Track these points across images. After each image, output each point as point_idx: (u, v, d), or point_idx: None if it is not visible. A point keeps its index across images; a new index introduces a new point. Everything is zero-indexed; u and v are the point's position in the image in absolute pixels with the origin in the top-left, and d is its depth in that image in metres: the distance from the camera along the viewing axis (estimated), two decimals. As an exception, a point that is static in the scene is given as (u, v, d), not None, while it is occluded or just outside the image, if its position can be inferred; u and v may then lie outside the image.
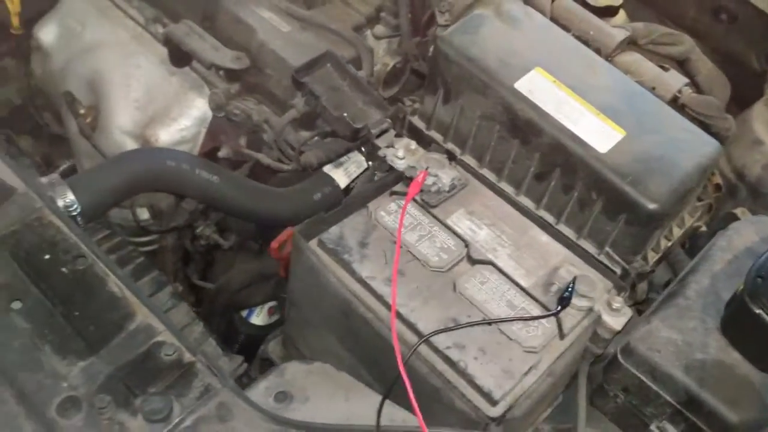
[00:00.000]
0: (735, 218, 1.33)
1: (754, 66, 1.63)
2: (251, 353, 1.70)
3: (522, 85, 1.21)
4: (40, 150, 1.98)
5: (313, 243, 1.14)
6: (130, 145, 1.62)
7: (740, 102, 1.53)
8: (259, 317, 1.69)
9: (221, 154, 1.60)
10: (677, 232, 1.27)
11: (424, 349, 1.03)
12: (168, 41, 1.47)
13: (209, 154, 1.63)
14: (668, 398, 1.05)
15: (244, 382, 1.31)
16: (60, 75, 1.75)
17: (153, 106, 1.62)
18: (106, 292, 1.06)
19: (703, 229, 1.38)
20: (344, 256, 1.11)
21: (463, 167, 1.28)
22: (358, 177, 1.49)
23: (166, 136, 1.58)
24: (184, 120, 1.60)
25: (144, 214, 1.69)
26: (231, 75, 1.48)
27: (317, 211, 1.43)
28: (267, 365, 1.44)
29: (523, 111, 1.19)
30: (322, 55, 1.34)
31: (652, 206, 1.12)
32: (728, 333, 1.06)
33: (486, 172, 1.29)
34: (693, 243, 1.38)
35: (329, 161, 1.43)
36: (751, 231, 1.21)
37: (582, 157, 1.15)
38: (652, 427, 1.09)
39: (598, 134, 1.17)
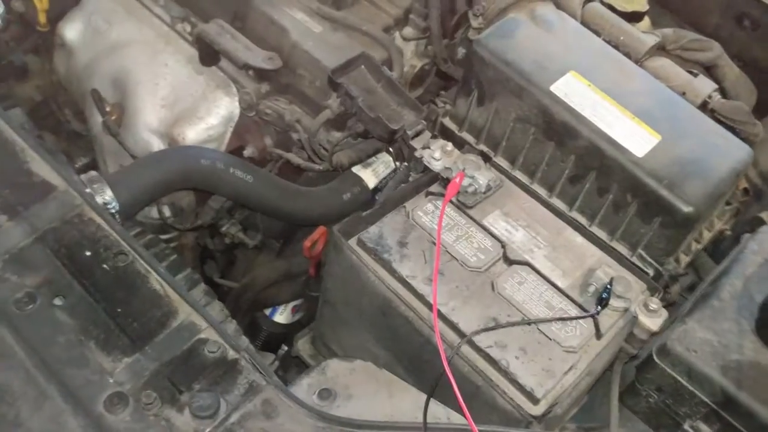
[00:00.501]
0: (761, 222, 1.35)
1: (776, 73, 1.65)
2: (272, 351, 1.71)
3: (558, 88, 1.22)
4: (60, 147, 1.97)
5: (352, 242, 1.15)
6: (157, 143, 1.63)
7: (762, 107, 1.55)
8: (282, 315, 1.70)
9: (246, 153, 1.61)
10: (707, 236, 1.29)
11: (465, 347, 1.04)
12: (199, 40, 1.47)
13: (234, 152, 1.64)
14: (704, 398, 1.06)
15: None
16: (84, 72, 1.75)
17: (180, 104, 1.62)
18: (148, 289, 1.06)
19: (728, 232, 1.40)
20: (384, 255, 1.12)
21: (496, 169, 1.29)
22: (386, 177, 1.51)
23: (193, 134, 1.58)
24: (211, 119, 1.60)
25: (166, 211, 1.69)
26: (261, 75, 1.49)
27: (347, 210, 1.45)
28: (295, 363, 1.45)
29: (559, 114, 1.21)
30: (357, 57, 1.35)
31: (688, 209, 1.13)
32: (763, 335, 1.08)
33: (519, 174, 1.30)
34: (716, 246, 1.40)
35: (359, 161, 1.45)
36: (781, 235, 1.23)
37: (619, 160, 1.16)
38: (686, 426, 1.10)
39: (634, 138, 1.18)
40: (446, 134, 1.36)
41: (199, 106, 1.61)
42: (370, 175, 1.48)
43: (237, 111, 1.57)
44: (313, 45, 1.45)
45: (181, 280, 1.30)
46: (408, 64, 1.56)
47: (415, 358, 1.12)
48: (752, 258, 1.19)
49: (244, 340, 1.30)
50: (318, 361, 1.40)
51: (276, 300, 1.65)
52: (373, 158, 1.48)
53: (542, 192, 1.28)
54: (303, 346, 1.41)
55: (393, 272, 1.11)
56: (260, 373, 1.00)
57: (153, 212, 1.63)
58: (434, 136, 1.30)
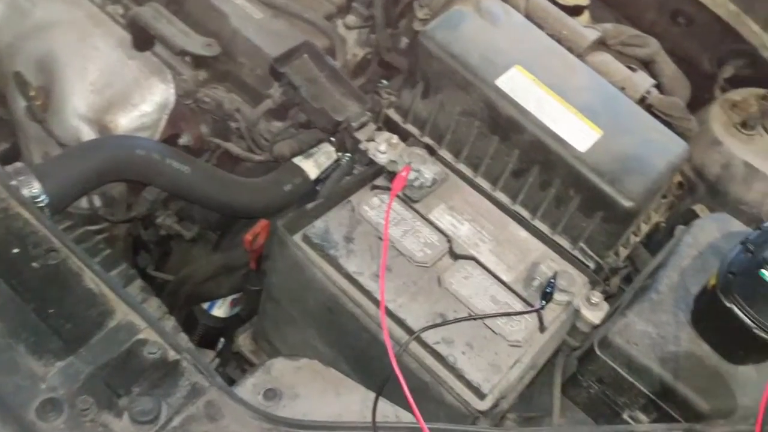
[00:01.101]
0: (694, 214, 1.39)
1: (706, 68, 1.70)
2: (210, 346, 1.67)
3: (503, 83, 1.22)
4: (-26, 132, 1.85)
5: (297, 237, 1.12)
6: (86, 130, 1.54)
7: (695, 102, 1.60)
8: (221, 309, 1.66)
9: (182, 141, 1.55)
10: (644, 228, 1.32)
11: (413, 344, 1.04)
12: (133, 24, 1.40)
13: (169, 141, 1.58)
14: (643, 389, 1.09)
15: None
16: (6, 54, 1.64)
17: (110, 90, 1.54)
18: (82, 287, 1.00)
19: (663, 224, 1.45)
20: (330, 251, 1.10)
21: (440, 162, 1.29)
22: (327, 168, 1.48)
23: (125, 121, 1.51)
24: (145, 106, 1.53)
25: (97, 201, 1.62)
26: (199, 62, 1.43)
27: (288, 202, 1.42)
28: (235, 358, 1.42)
29: (505, 108, 1.21)
30: (300, 45, 1.32)
31: (628, 204, 1.16)
32: (698, 326, 1.12)
33: (463, 167, 1.30)
34: (651, 238, 1.44)
35: (301, 152, 1.42)
36: (714, 228, 1.27)
37: (562, 155, 1.18)
38: (625, 415, 1.14)
39: (576, 133, 1.20)
40: (390, 125, 1.35)
41: (133, 93, 1.54)
42: (311, 166, 1.44)
43: (172, 98, 1.50)
44: (253, 32, 1.40)
45: (116, 276, 1.24)
46: (350, 53, 1.53)
47: (362, 355, 1.11)
48: (687, 251, 1.23)
49: (184, 338, 1.26)
50: (260, 357, 1.38)
51: (214, 294, 1.61)
52: (315, 149, 1.45)
53: (486, 185, 1.28)
54: (244, 341, 1.38)
55: (339, 268, 1.09)
56: (203, 374, 0.97)
57: (83, 202, 1.55)
58: (379, 128, 1.28)
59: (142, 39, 1.43)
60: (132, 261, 1.76)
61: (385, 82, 1.46)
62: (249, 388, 1.01)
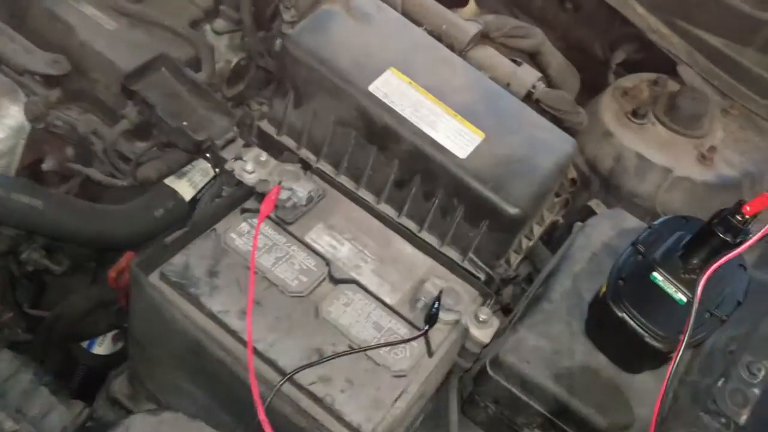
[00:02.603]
0: (591, 211, 1.34)
1: (599, 54, 1.66)
2: (95, 386, 1.53)
3: (377, 88, 1.13)
4: None
5: (154, 277, 1.01)
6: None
7: (588, 90, 1.55)
8: (102, 346, 1.52)
9: (45, 166, 1.41)
10: (537, 230, 1.26)
11: (287, 386, 0.94)
12: (-32, 42, 1.25)
13: (31, 167, 1.44)
14: (539, 408, 1.03)
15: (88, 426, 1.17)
16: None
17: (-44, 115, 1.39)
18: None
19: (561, 221, 1.39)
20: (191, 289, 0.99)
21: (319, 175, 1.19)
22: (204, 186, 1.36)
23: (-25, 151, 1.36)
24: (-2, 131, 1.38)
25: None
26: (50, 81, 1.29)
27: (160, 229, 1.30)
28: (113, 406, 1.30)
29: (379, 116, 1.12)
30: (155, 58, 1.19)
31: (514, 211, 1.09)
32: (592, 335, 1.06)
33: (344, 180, 1.21)
34: (551, 236, 1.39)
35: (171, 173, 1.30)
36: (607, 226, 1.22)
37: (441, 163, 1.10)
38: (524, 436, 1.08)
39: (456, 138, 1.12)
40: (264, 139, 1.24)
41: (-19, 117, 1.39)
42: (185, 186, 1.33)
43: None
44: (105, 44, 1.27)
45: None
46: (223, 60, 1.42)
47: (234, 400, 1.01)
48: (580, 254, 1.17)
49: (42, 392, 1.13)
50: (137, 402, 1.27)
51: (92, 331, 1.47)
52: (189, 166, 1.33)
53: (370, 198, 1.20)
54: (120, 386, 1.26)
55: (202, 308, 0.98)
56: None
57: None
58: (247, 145, 1.17)
59: (-18, 58, 1.28)
60: (11, 296, 1.61)
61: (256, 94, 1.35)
62: (104, 454, 0.91)
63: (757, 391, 1.03)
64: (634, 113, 1.34)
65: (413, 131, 1.11)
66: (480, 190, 1.09)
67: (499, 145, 1.13)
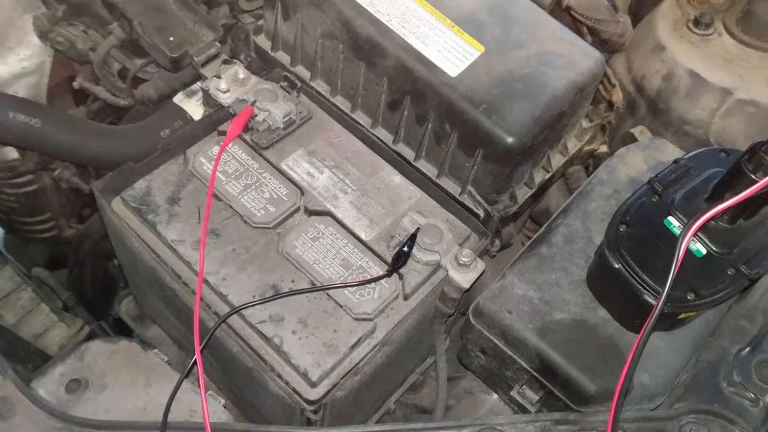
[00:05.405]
0: (633, 138, 1.15)
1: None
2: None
3: (363, -5, 1.00)
4: None
5: (116, 202, 0.97)
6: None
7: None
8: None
9: (76, 84, 1.40)
10: (559, 161, 1.09)
11: (238, 322, 0.89)
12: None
13: (63, 84, 1.44)
14: (524, 364, 0.91)
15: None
16: None
17: (-19, 33, 1.40)
18: None
19: (605, 149, 1.21)
20: (149, 216, 0.94)
21: (310, 96, 1.09)
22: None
23: (3, 68, 1.37)
24: (23, 49, 1.37)
25: (12, 153, 1.51)
26: (59, -5, 1.26)
27: (168, 150, 1.26)
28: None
29: (363, 27, 0.99)
30: (138, -32, 1.12)
31: (510, 140, 0.93)
32: (593, 286, 0.91)
33: (340, 101, 1.10)
34: (597, 165, 1.21)
35: (173, 92, 1.24)
36: (639, 158, 1.04)
37: (429, 81, 0.96)
38: (513, 392, 0.96)
39: (449, 53, 0.97)
40: (261, 55, 1.15)
41: (7, 35, 1.39)
42: (194, 106, 1.27)
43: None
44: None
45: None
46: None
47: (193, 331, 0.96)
48: (599, 190, 1.01)
49: (42, 309, 1.17)
50: (143, 323, 1.27)
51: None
52: (197, 84, 1.27)
53: (365, 121, 1.08)
54: (128, 306, 1.27)
55: (159, 236, 0.93)
56: (-4, 368, 0.86)
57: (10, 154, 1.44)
58: (227, 61, 1.09)
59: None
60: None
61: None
62: (55, 378, 0.91)
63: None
64: (696, 22, 1.10)
65: (399, 44, 0.97)
66: (471, 114, 0.94)
67: (500, 60, 0.97)
